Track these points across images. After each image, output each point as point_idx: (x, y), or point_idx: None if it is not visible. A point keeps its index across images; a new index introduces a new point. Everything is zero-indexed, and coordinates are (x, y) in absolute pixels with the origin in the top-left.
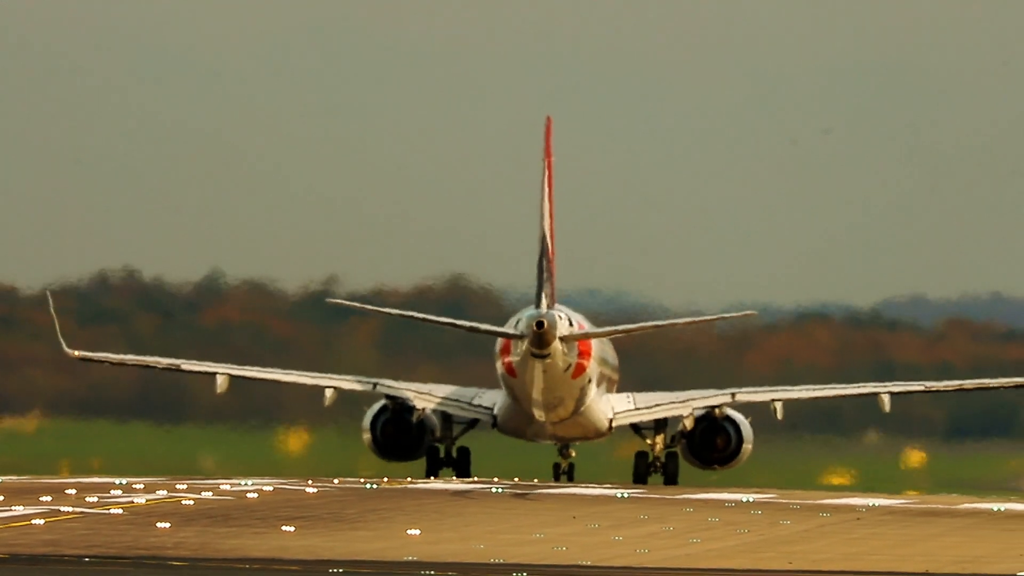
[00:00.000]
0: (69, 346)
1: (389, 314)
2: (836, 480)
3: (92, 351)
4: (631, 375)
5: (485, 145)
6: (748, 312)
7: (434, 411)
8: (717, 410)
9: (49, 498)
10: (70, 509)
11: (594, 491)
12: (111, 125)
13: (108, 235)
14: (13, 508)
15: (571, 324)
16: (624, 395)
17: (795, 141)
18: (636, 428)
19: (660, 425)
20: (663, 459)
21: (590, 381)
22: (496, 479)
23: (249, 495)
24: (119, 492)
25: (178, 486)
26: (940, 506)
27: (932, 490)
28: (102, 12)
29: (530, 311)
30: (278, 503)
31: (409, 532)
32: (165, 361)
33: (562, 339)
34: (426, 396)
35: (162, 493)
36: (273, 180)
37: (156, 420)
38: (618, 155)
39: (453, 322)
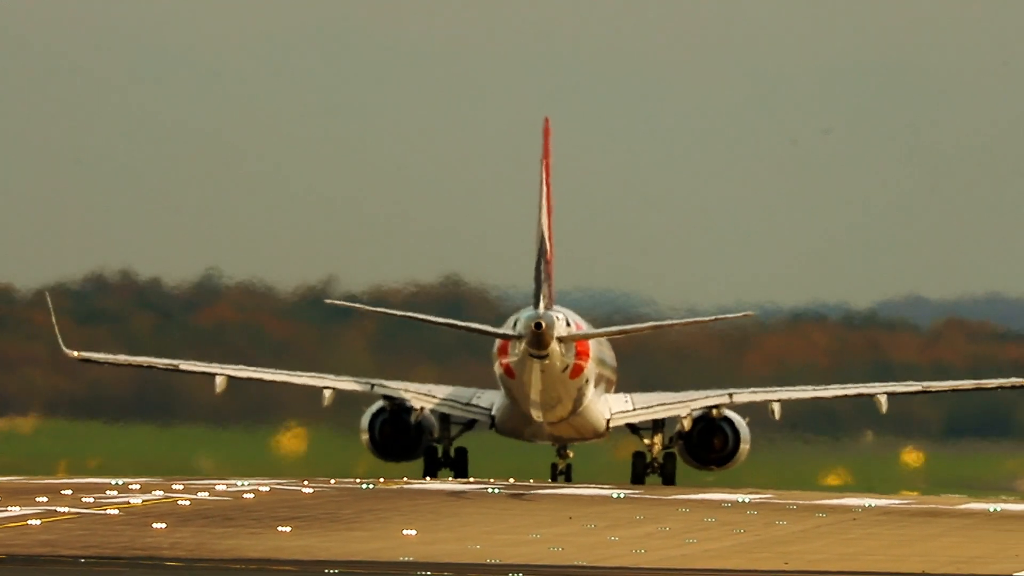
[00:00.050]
0: (66, 346)
1: (387, 314)
2: (833, 480)
3: (88, 351)
4: (629, 376)
5: (483, 145)
6: (746, 313)
7: (432, 412)
8: (715, 410)
9: (45, 498)
10: (66, 509)
11: (591, 491)
12: (110, 125)
13: (105, 235)
14: (9, 508)
15: (569, 325)
16: (622, 395)
17: (795, 141)
18: (634, 428)
19: (658, 425)
20: (661, 459)
21: (588, 382)
22: (492, 479)
23: (245, 495)
24: (115, 492)
25: (174, 486)
26: (937, 506)
27: (929, 491)
28: (102, 12)
29: (528, 311)
30: (274, 503)
31: (405, 532)
32: (164, 362)
33: (560, 340)
34: (424, 397)
35: (158, 493)
36: (271, 180)
37: (153, 420)
38: (617, 155)
39: (451, 323)
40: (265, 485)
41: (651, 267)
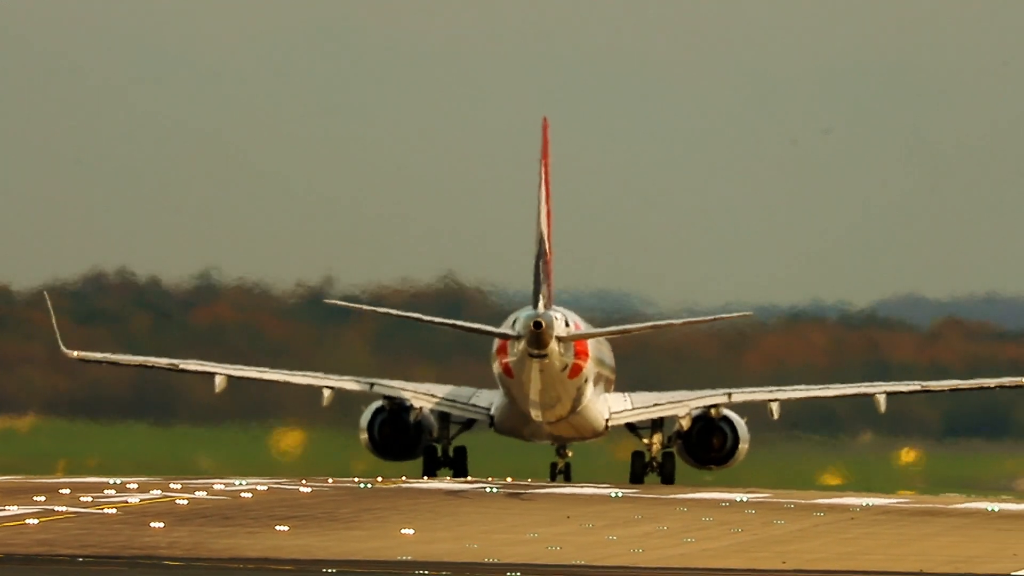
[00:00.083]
0: (65, 346)
1: (386, 314)
2: (831, 480)
3: (87, 351)
4: (628, 375)
5: (482, 145)
6: (744, 313)
7: (431, 411)
8: (713, 410)
9: (43, 498)
10: (64, 509)
11: (589, 491)
12: (109, 125)
13: (103, 234)
14: (7, 508)
15: (568, 324)
16: (621, 395)
17: (795, 141)
18: (633, 428)
19: (657, 425)
20: (660, 459)
21: (587, 381)
22: (490, 479)
23: (243, 495)
24: (113, 492)
25: (172, 486)
26: (935, 506)
27: (927, 490)
28: (102, 12)
29: (527, 311)
30: (272, 503)
31: (403, 532)
32: (164, 361)
33: (559, 339)
34: (423, 396)
35: (156, 493)
36: (270, 180)
37: (151, 420)
38: (616, 155)
39: (451, 323)
40: (263, 484)
41: (650, 267)
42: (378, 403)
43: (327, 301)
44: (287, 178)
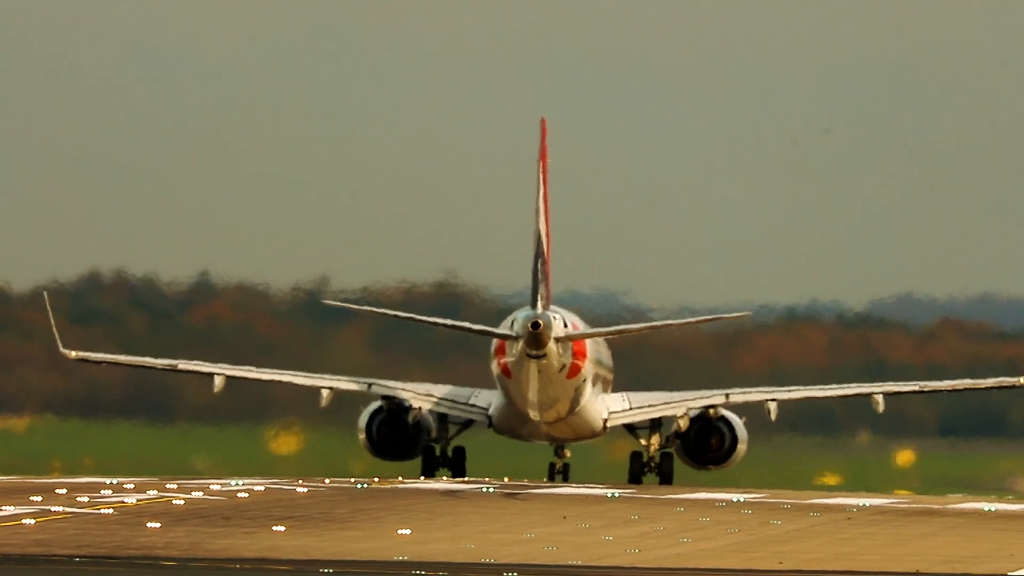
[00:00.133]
0: (62, 346)
1: (385, 315)
2: (829, 480)
3: (83, 350)
4: (625, 375)
5: (480, 145)
6: (743, 313)
7: (430, 411)
8: (711, 410)
9: (40, 498)
10: (61, 509)
11: (586, 491)
12: (108, 125)
13: (100, 234)
14: (4, 508)
15: (566, 325)
16: (619, 395)
17: (795, 141)
18: (631, 428)
19: (655, 425)
20: (658, 459)
21: (585, 381)
22: (487, 479)
23: (240, 495)
24: (109, 492)
25: (168, 486)
26: (931, 506)
27: (924, 490)
28: (102, 12)
29: (525, 312)
30: (269, 503)
31: (400, 532)
32: (162, 362)
33: (557, 340)
34: (422, 396)
35: (152, 493)
36: (267, 180)
37: (148, 420)
38: (614, 155)
39: (449, 323)
40: (260, 485)
41: (648, 267)
42: (376, 403)
43: (327, 302)
44: (285, 178)
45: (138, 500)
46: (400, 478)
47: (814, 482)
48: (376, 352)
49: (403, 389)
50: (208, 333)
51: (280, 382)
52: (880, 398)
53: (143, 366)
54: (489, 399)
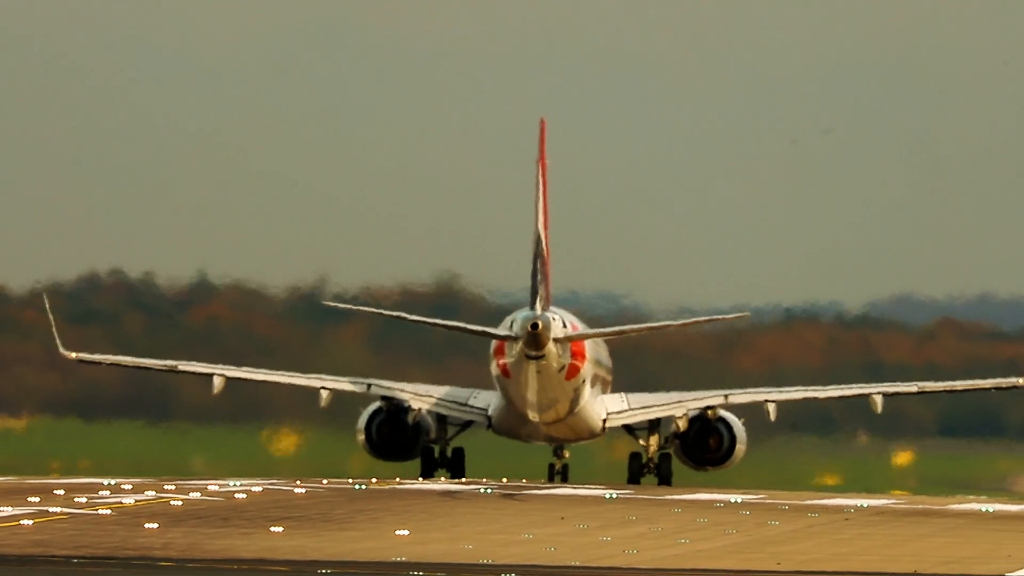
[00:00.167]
0: (62, 347)
1: (384, 316)
2: (827, 480)
3: (81, 351)
4: (624, 376)
5: (480, 146)
6: (742, 314)
7: (429, 412)
8: (710, 411)
9: (38, 498)
10: (58, 509)
11: (584, 492)
12: (107, 125)
13: (98, 234)
14: (2, 508)
15: (565, 325)
16: (618, 396)
17: (795, 141)
18: (630, 429)
19: (654, 426)
20: (657, 460)
21: (584, 382)
22: (485, 480)
23: (237, 496)
24: (107, 492)
25: (166, 487)
26: (929, 507)
27: (922, 490)
28: (102, 12)
29: (524, 312)
30: (266, 503)
31: (398, 533)
32: (162, 363)
33: (556, 340)
34: (421, 397)
35: (150, 494)
36: (266, 180)
37: (146, 420)
38: (613, 156)
39: (448, 324)
40: (258, 485)
41: (647, 268)
42: (376, 404)
43: (327, 303)
44: (284, 178)
45: (136, 501)
46: (398, 479)
47: (813, 482)
48: (375, 353)
49: (402, 390)
50: (207, 333)
51: (279, 383)
52: (879, 399)
53: (142, 367)
54: (488, 400)
